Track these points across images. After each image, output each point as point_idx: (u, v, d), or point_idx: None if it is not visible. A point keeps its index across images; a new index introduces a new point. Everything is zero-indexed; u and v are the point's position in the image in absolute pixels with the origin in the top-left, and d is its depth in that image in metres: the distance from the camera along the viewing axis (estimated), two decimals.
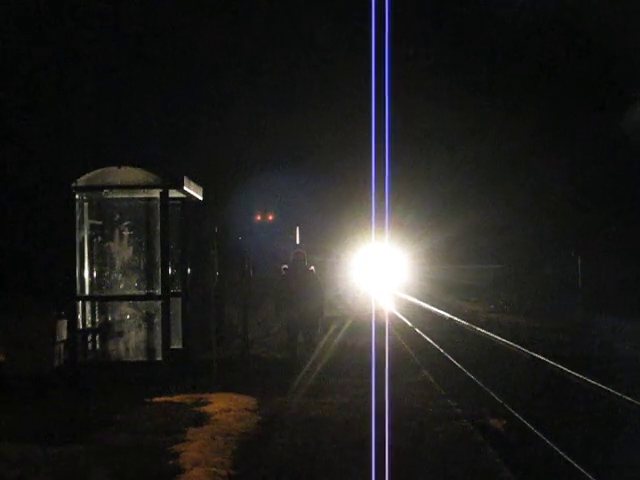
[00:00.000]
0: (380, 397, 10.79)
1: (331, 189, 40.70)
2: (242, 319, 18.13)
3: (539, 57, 33.97)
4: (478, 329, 23.86)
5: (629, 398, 11.78)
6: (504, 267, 42.32)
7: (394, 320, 27.67)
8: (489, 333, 22.37)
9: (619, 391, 12.33)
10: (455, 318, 28.54)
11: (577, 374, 14.51)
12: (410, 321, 27.51)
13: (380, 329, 21.79)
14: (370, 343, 18.77)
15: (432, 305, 36.46)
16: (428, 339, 21.39)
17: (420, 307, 37.70)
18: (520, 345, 19.00)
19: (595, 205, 34.69)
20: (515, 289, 38.12)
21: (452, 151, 41.51)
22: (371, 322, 24.88)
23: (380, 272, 40.21)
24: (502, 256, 43.01)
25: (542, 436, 9.89)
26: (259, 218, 19.28)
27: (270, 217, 19.88)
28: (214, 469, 7.65)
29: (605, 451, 9.46)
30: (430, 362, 16.66)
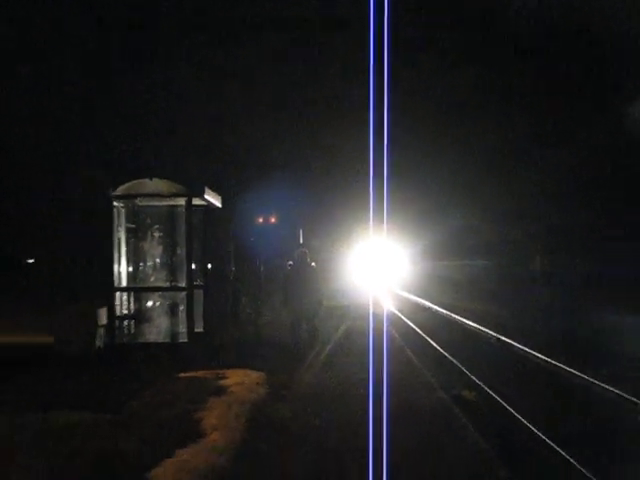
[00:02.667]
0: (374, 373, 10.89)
1: (332, 190, 39.33)
2: (254, 307, 18.24)
3: (538, 52, 31.06)
4: (453, 315, 23.98)
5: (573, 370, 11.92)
6: (488, 263, 41.58)
7: (382, 309, 27.71)
8: (461, 318, 22.49)
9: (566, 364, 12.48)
10: (434, 306, 28.62)
11: (526, 348, 14.73)
12: (399, 311, 27.56)
13: (367, 315, 21.87)
14: (362, 328, 18.88)
15: (417, 295, 36.38)
16: (411, 324, 21.47)
17: (408, 298, 37.66)
18: (484, 327, 19.24)
19: (559, 208, 34.05)
20: (493, 283, 37.66)
21: (445, 153, 39.19)
22: (362, 309, 24.92)
23: (379, 268, 39.49)
24: (488, 253, 42.00)
25: (507, 405, 9.96)
26: (267, 221, 19.38)
27: (276, 220, 19.98)
28: (230, 433, 7.74)
29: (555, 414, 9.57)
30: (412, 343, 16.74)
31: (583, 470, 7.08)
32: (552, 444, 7.93)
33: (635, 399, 9.86)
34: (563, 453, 7.62)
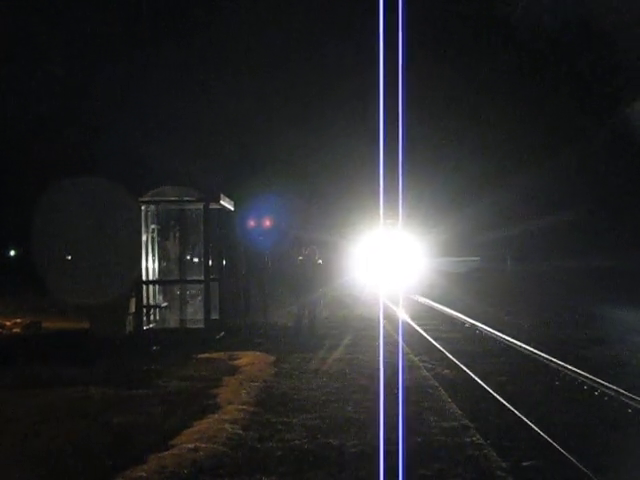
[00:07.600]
0: (367, 355, 10.89)
1: (337, 190, 37.52)
2: (262, 298, 18.18)
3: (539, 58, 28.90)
4: (434, 304, 23.92)
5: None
6: (478, 260, 41.02)
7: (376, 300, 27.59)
8: (443, 307, 22.46)
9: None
10: (421, 298, 28.50)
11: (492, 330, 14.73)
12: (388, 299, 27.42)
13: (366, 307, 21.84)
14: (357, 316, 18.82)
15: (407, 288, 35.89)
16: (395, 308, 21.37)
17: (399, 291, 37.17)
18: (457, 312, 19.26)
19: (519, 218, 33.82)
20: (475, 277, 37.34)
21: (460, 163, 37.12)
22: (361, 298, 24.84)
23: (385, 264, 38.03)
24: (479, 251, 41.20)
25: (480, 381, 9.93)
26: (274, 222, 19.29)
27: (283, 221, 19.93)
28: (242, 406, 7.74)
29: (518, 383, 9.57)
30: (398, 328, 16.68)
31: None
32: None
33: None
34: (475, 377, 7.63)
